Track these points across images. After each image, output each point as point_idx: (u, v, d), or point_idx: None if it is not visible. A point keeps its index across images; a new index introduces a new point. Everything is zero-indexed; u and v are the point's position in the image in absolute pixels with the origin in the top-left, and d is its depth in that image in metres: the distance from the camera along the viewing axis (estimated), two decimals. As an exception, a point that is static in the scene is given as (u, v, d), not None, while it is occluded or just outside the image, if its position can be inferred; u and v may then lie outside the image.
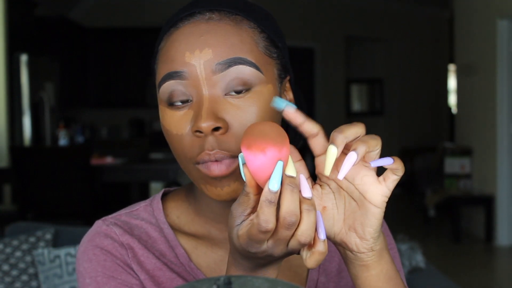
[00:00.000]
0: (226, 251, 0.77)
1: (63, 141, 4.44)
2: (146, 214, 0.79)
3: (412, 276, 1.95)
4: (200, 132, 0.67)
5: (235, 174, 0.69)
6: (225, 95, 0.69)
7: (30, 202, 3.85)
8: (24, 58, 4.91)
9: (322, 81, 8.21)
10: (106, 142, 7.24)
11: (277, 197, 0.55)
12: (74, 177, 3.82)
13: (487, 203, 5.34)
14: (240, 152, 0.67)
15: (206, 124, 0.66)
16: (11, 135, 4.84)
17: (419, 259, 1.98)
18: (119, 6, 7.57)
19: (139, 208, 0.80)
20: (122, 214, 0.79)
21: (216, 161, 0.68)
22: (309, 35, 8.04)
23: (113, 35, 7.29)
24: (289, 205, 0.55)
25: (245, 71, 0.69)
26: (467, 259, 4.92)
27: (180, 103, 0.70)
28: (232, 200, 0.70)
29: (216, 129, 0.67)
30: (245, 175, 0.57)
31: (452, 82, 9.01)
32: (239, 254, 0.60)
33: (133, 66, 7.18)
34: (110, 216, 0.79)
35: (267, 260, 0.60)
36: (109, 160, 4.37)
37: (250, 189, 0.57)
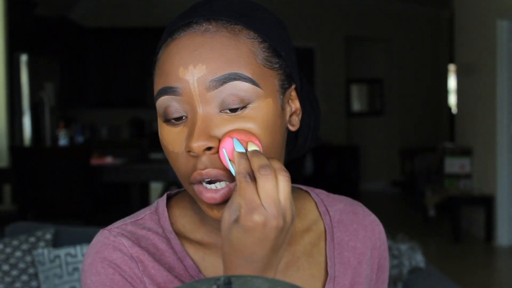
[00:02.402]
0: None
1: (63, 141, 4.43)
2: (152, 223, 0.77)
3: (412, 276, 1.95)
4: (193, 152, 0.66)
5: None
6: (221, 111, 0.67)
7: (30, 202, 3.85)
8: (24, 58, 4.91)
9: (322, 81, 8.21)
10: (106, 142, 7.23)
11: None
12: (74, 177, 3.82)
13: (487, 203, 5.33)
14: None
15: (197, 144, 0.65)
16: (11, 135, 4.84)
17: (419, 259, 1.98)
18: (119, 6, 7.57)
19: (145, 216, 0.78)
20: (128, 223, 0.76)
21: (210, 184, 0.67)
22: (309, 35, 8.04)
23: (113, 35, 7.29)
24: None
25: (241, 87, 0.66)
26: (467, 259, 4.92)
27: (174, 120, 0.68)
28: None
29: (209, 148, 0.66)
30: (237, 161, 0.63)
31: (452, 82, 9.00)
32: (246, 250, 0.62)
33: (133, 66, 7.18)
34: (115, 225, 0.76)
35: (280, 239, 0.63)
36: (109, 160, 4.37)
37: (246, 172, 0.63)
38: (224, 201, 0.67)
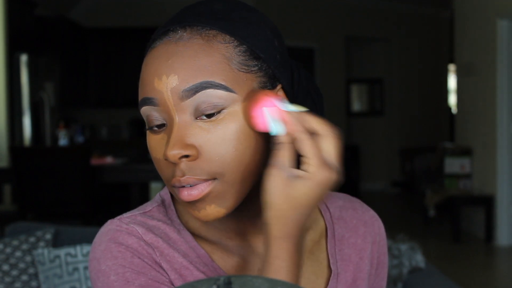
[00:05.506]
0: (241, 258, 0.76)
1: (63, 141, 4.43)
2: (161, 215, 0.77)
3: (412, 276, 1.95)
4: (169, 160, 0.66)
5: (209, 197, 0.67)
6: (196, 118, 0.67)
7: (30, 202, 3.85)
8: (24, 58, 4.91)
9: (322, 81, 8.21)
10: (106, 142, 7.24)
11: None
12: (74, 177, 3.82)
13: (487, 203, 5.34)
14: (214, 175, 0.67)
15: (172, 153, 0.65)
16: (11, 135, 4.84)
17: (419, 259, 1.98)
18: (119, 6, 7.57)
19: (152, 208, 0.77)
20: (137, 215, 0.76)
21: (189, 186, 0.67)
22: (309, 35, 8.04)
23: (113, 35, 7.29)
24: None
25: (214, 95, 0.66)
26: (467, 259, 4.92)
27: (157, 128, 0.70)
28: (214, 220, 0.69)
29: (186, 156, 0.66)
30: (281, 122, 0.65)
31: (452, 82, 9.00)
32: (310, 204, 0.65)
33: (133, 66, 7.15)
34: (124, 216, 0.75)
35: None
36: (109, 160, 4.37)
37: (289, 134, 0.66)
38: (203, 198, 0.67)
